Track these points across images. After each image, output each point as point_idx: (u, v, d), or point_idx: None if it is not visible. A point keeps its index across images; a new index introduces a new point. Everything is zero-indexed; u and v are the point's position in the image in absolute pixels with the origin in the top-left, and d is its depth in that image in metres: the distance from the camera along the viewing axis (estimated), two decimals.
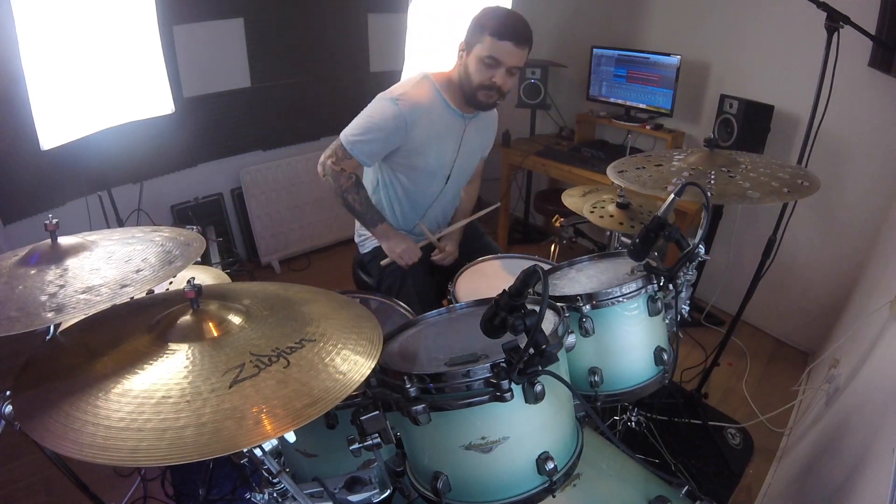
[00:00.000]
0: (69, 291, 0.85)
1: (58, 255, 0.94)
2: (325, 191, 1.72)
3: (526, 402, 0.80)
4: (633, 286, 1.12)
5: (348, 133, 1.60)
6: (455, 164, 1.73)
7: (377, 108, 1.59)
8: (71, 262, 0.93)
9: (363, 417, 0.82)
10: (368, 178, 1.80)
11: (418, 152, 1.63)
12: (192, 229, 2.24)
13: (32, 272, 0.90)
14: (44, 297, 0.83)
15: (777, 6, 2.29)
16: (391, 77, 3.27)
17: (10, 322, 0.78)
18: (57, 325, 0.97)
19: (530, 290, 0.78)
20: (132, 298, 0.93)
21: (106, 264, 0.94)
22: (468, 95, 1.60)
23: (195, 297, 0.84)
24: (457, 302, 1.44)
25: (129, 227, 1.15)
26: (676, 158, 1.50)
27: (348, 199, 1.65)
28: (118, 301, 0.86)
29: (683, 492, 1.07)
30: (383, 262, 1.74)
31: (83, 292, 0.85)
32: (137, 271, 0.92)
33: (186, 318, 0.84)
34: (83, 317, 0.86)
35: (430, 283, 1.81)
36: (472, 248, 1.88)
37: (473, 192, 2.01)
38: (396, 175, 1.71)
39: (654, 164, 1.50)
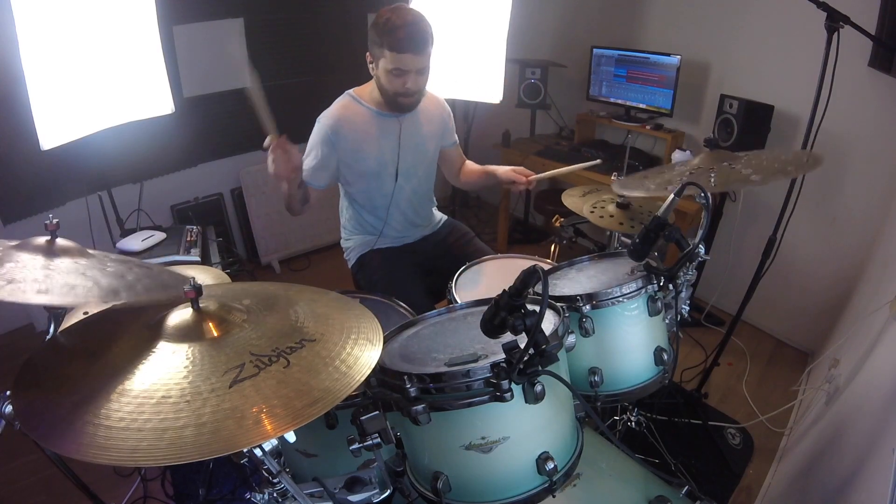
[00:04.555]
0: (57, 282, 0.82)
1: (52, 252, 0.92)
2: (324, 191, 1.78)
3: (526, 402, 0.80)
4: (633, 286, 1.12)
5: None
6: (400, 160, 1.76)
7: (312, 134, 1.73)
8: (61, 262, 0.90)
9: (363, 417, 0.82)
10: (341, 200, 1.93)
11: (355, 158, 1.72)
12: (193, 229, 2.27)
13: (25, 255, 0.86)
14: (34, 276, 0.80)
15: (777, 6, 2.28)
16: None
17: None
18: (57, 326, 0.97)
19: (530, 290, 0.78)
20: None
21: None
22: (390, 102, 1.67)
23: (195, 297, 0.84)
24: (457, 302, 1.44)
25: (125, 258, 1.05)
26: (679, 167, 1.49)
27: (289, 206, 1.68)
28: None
29: (683, 492, 1.08)
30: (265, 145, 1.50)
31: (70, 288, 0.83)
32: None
33: (186, 318, 0.84)
34: (81, 315, 0.86)
35: (426, 283, 1.81)
36: (465, 252, 1.87)
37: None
38: (351, 185, 1.81)
39: (657, 174, 1.48)
